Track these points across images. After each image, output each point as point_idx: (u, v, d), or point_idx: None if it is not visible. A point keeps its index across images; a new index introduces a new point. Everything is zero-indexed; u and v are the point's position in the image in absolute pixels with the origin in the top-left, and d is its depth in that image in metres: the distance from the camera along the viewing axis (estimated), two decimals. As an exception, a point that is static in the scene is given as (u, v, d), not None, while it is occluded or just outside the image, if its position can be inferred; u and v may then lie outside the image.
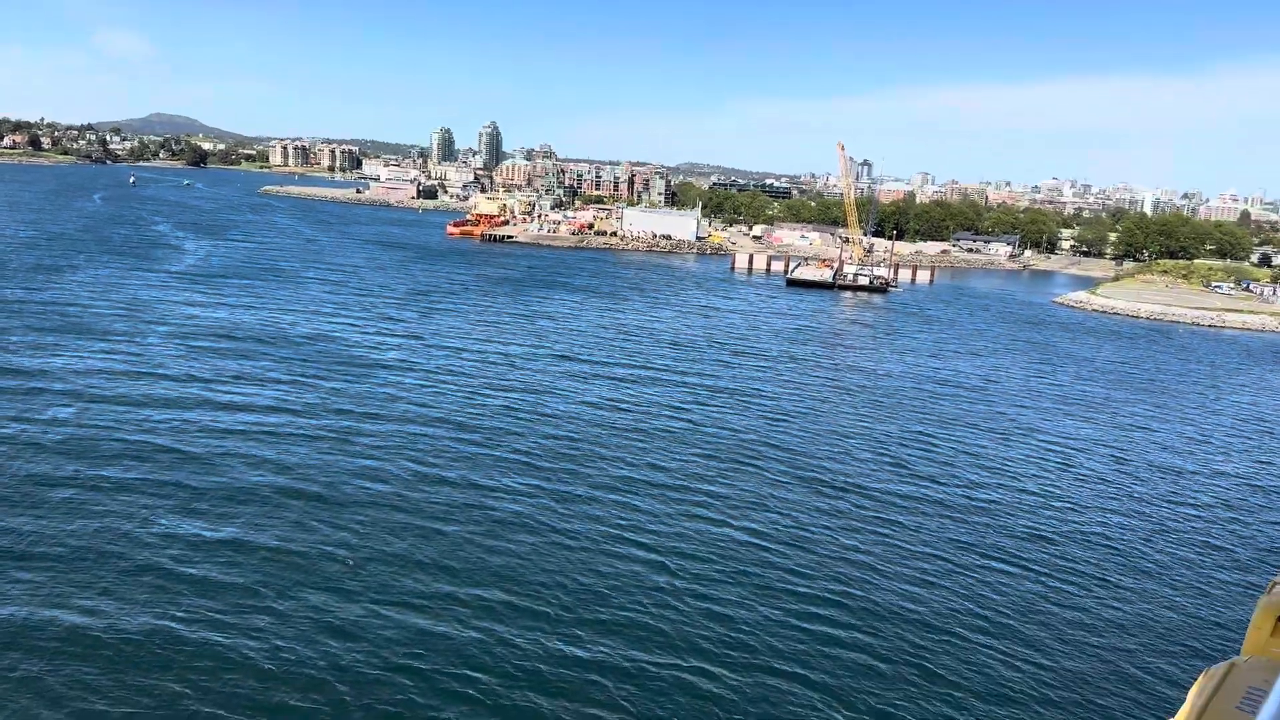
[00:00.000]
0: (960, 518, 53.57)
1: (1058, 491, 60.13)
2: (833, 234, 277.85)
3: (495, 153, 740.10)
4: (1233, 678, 6.79)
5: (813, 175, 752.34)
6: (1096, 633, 40.69)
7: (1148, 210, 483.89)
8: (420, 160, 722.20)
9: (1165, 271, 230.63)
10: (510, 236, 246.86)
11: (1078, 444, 72.66)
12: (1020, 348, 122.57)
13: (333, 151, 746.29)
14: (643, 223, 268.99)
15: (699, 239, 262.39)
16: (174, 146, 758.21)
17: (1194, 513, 58.32)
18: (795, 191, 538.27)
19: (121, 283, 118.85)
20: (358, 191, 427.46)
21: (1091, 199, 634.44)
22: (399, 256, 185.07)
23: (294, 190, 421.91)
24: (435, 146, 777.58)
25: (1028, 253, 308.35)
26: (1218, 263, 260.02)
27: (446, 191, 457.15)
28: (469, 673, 33.44)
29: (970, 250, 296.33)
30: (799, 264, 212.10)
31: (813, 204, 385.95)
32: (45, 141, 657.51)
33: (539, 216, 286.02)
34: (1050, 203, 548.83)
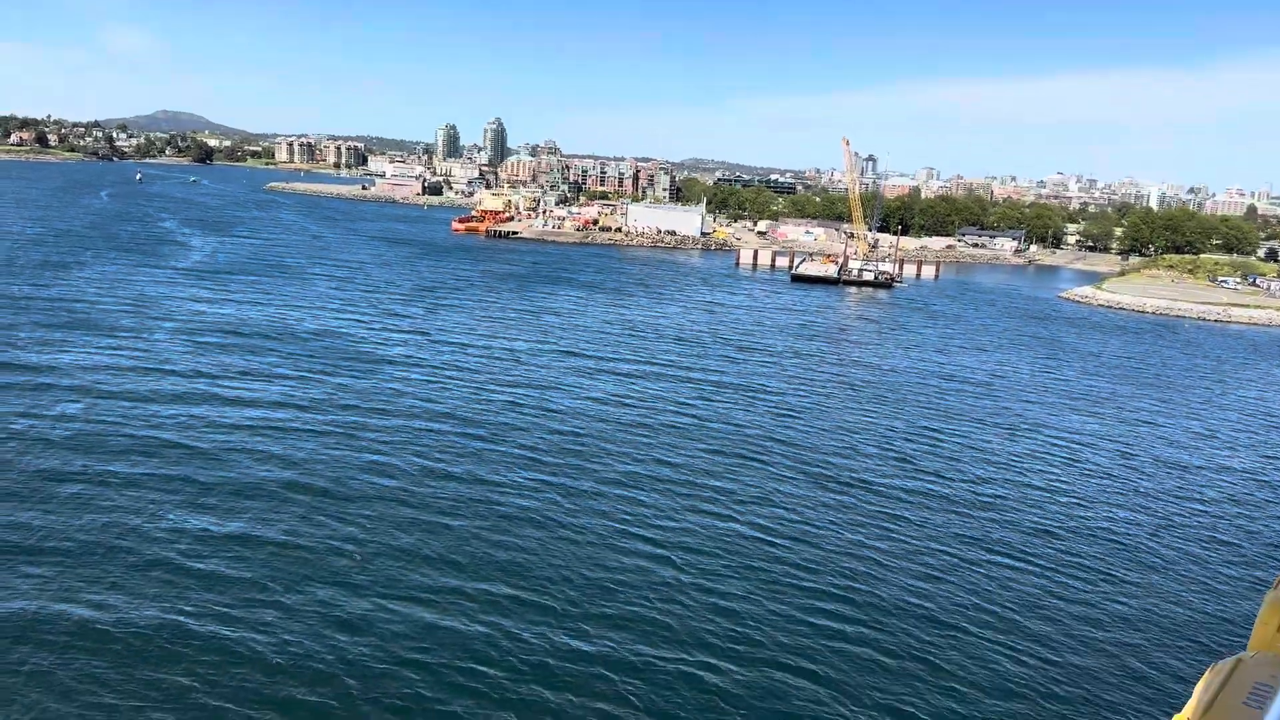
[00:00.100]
0: (966, 513, 53.57)
1: (1063, 486, 60.07)
2: (837, 229, 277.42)
3: (500, 149, 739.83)
4: (1239, 673, 6.81)
5: (817, 171, 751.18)
6: (1103, 627, 40.68)
7: (1153, 205, 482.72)
8: (425, 157, 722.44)
9: (1171, 266, 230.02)
10: (515, 233, 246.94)
11: (1084, 439, 72.57)
12: (1026, 343, 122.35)
13: (338, 148, 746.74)
14: (647, 219, 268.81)
15: (704, 235, 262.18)
16: (180, 143, 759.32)
17: (1200, 508, 58.23)
18: (800, 187, 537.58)
19: (128, 279, 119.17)
20: (363, 188, 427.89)
21: (1097, 194, 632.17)
22: (404, 253, 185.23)
23: (300, 187, 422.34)
24: (440, 143, 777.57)
25: (1033, 248, 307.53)
26: (1224, 257, 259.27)
27: (451, 188, 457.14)
28: (476, 666, 33.57)
29: (975, 245, 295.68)
30: (804, 260, 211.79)
31: (817, 199, 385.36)
32: (52, 139, 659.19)
33: (544, 213, 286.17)
34: (1056, 197, 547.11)
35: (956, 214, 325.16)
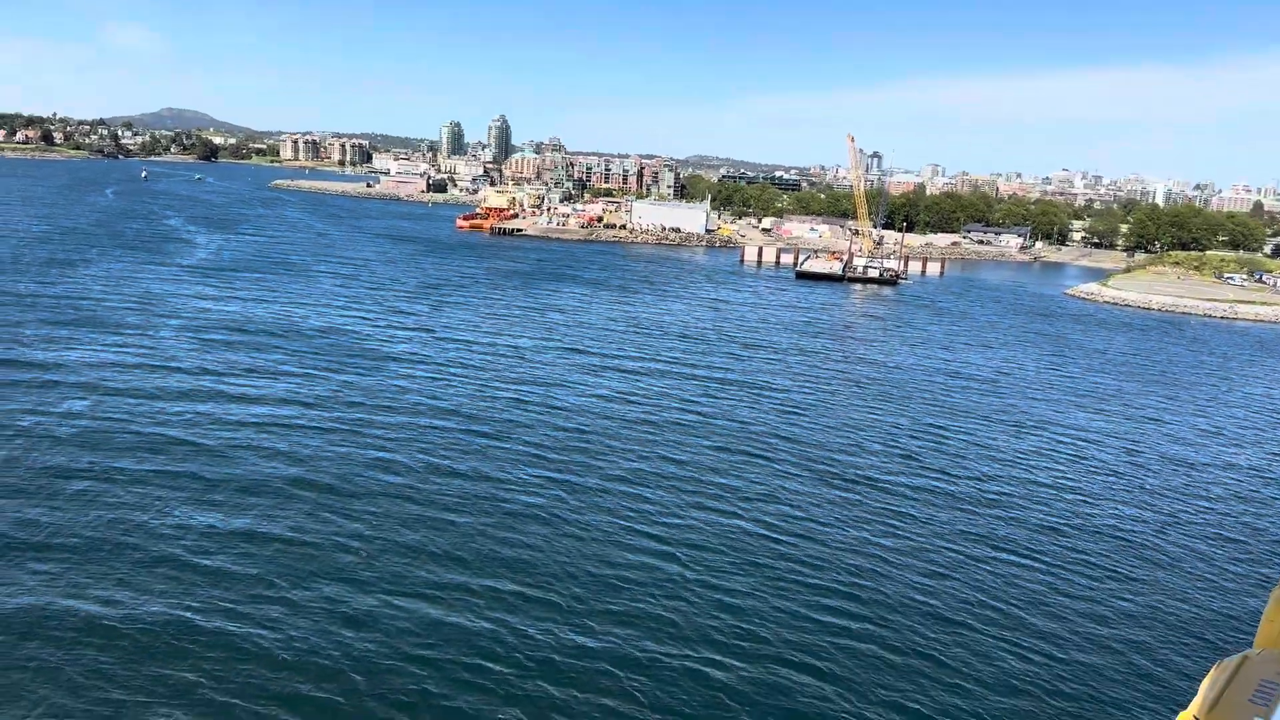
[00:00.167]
0: (971, 509, 53.53)
1: (1069, 483, 59.98)
2: (842, 226, 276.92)
3: (505, 146, 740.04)
4: (1245, 670, 6.80)
5: (822, 168, 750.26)
6: (1108, 625, 40.64)
7: (1159, 201, 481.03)
8: (430, 154, 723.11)
9: (1177, 263, 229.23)
10: (520, 230, 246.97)
11: (1089, 436, 72.44)
12: (1031, 340, 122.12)
13: (343, 145, 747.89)
14: (652, 215, 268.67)
15: (708, 232, 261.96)
16: (185, 141, 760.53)
17: (1206, 505, 58.11)
18: (804, 184, 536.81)
19: (134, 277, 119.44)
20: (368, 185, 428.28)
21: (1103, 190, 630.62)
22: (409, 250, 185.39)
23: (304, 184, 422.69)
24: (445, 140, 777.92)
25: (1039, 244, 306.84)
26: (1230, 254, 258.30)
27: (456, 185, 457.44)
28: (482, 662, 33.65)
29: (981, 242, 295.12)
30: (808, 256, 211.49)
31: (822, 196, 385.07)
32: (58, 136, 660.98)
33: (548, 210, 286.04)
34: (1061, 194, 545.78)
35: (962, 211, 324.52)
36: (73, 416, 58.24)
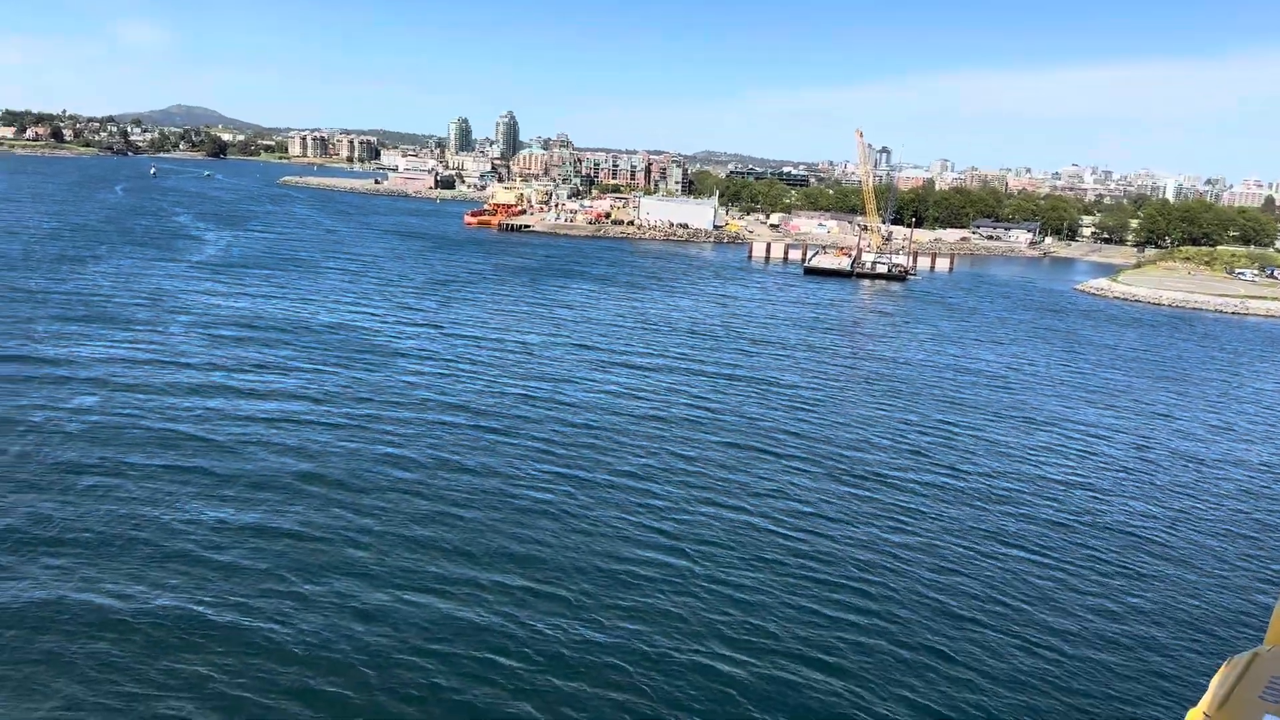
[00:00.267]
0: (981, 506, 53.45)
1: (1079, 480, 59.84)
2: (851, 222, 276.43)
3: (512, 142, 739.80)
4: (1256, 667, 6.81)
5: (830, 163, 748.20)
6: (1118, 620, 40.56)
7: (1170, 196, 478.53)
8: (438, 150, 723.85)
9: (1188, 258, 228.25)
10: (527, 226, 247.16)
11: (1099, 432, 72.24)
12: (1041, 336, 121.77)
13: (351, 142, 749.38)
14: (660, 211, 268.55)
15: (716, 227, 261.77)
16: (194, 138, 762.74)
17: (1216, 501, 57.91)
18: (813, 179, 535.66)
19: (144, 273, 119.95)
20: (376, 182, 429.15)
21: (1113, 185, 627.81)
22: (417, 246, 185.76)
23: (313, 181, 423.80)
24: (453, 136, 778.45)
25: (1048, 240, 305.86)
26: (1241, 249, 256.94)
27: (464, 181, 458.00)
28: (491, 657, 33.77)
29: (990, 237, 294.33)
30: (817, 252, 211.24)
31: (830, 192, 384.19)
32: (67, 133, 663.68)
33: (556, 206, 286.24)
34: (1071, 189, 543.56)
35: (971, 206, 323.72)
36: (84, 412, 58.57)
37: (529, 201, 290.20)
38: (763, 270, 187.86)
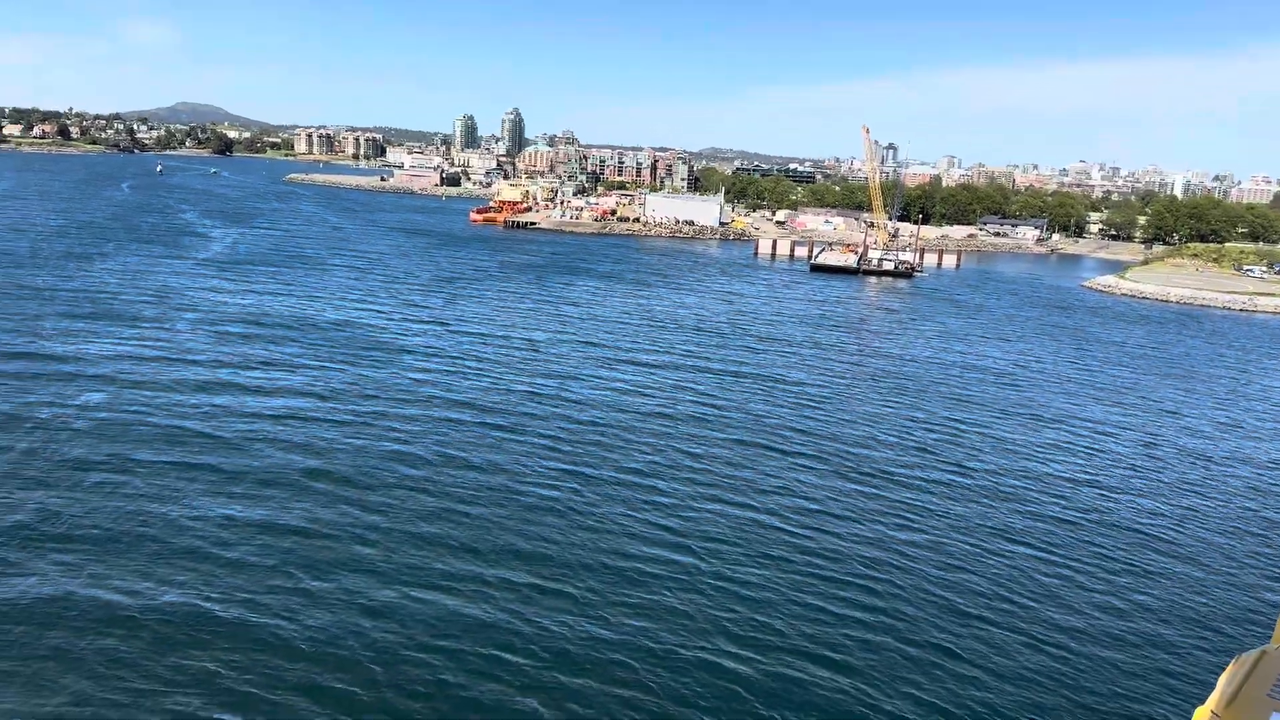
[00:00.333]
0: (988, 503, 53.35)
1: (1086, 477, 59.68)
2: (857, 219, 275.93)
3: (518, 139, 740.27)
4: (1264, 665, 6.80)
5: (837, 159, 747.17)
6: (1126, 618, 40.47)
7: (1178, 193, 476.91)
8: (444, 147, 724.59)
9: (1195, 255, 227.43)
10: (533, 223, 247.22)
11: (1107, 429, 72.03)
12: (1048, 333, 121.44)
13: (357, 139, 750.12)
14: (665, 208, 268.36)
15: (722, 224, 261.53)
16: (200, 135, 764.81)
17: (1225, 499, 57.71)
18: (819, 176, 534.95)
19: (150, 270, 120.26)
20: (382, 179, 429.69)
21: (1120, 182, 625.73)
22: (423, 243, 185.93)
23: (319, 178, 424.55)
24: (458, 133, 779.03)
25: (1055, 236, 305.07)
26: (1249, 246, 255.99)
27: (470, 178, 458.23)
28: (498, 653, 33.81)
29: (997, 234, 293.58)
30: (823, 249, 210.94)
31: (837, 188, 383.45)
32: (74, 131, 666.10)
33: (562, 203, 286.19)
34: (1078, 186, 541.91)
35: (978, 203, 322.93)
36: (91, 409, 58.76)
37: (534, 199, 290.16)
38: (769, 267, 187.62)
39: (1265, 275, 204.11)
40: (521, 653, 33.98)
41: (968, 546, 46.76)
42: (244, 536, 41.98)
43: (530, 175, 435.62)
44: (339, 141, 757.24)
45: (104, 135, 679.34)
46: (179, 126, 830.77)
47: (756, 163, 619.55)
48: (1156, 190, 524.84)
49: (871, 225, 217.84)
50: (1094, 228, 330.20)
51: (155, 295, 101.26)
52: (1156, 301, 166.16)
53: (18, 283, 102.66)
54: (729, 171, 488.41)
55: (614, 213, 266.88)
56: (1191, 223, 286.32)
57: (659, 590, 39.67)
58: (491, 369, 77.32)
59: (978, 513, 51.62)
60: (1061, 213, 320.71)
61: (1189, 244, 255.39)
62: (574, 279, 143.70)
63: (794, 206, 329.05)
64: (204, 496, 46.19)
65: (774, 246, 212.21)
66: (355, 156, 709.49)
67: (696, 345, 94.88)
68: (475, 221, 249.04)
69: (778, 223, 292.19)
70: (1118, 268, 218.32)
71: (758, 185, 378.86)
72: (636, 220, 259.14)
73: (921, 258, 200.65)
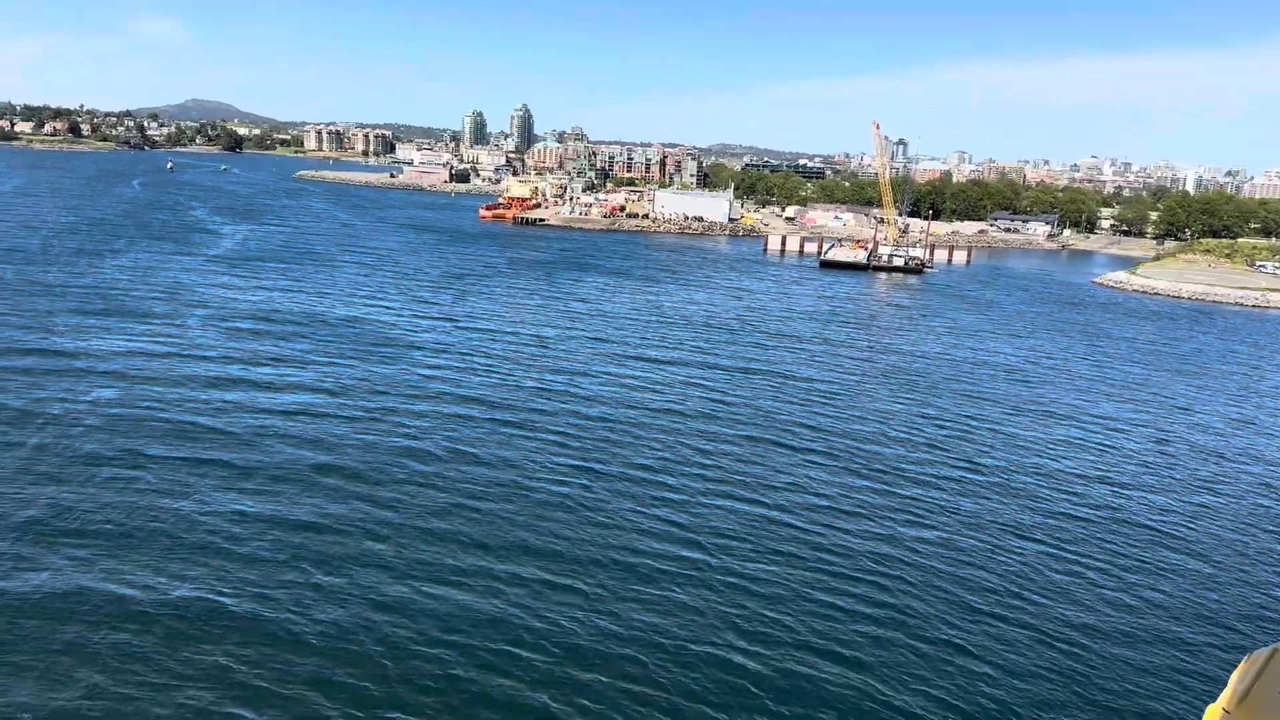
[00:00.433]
0: (998, 499, 53.22)
1: (1098, 473, 59.46)
2: (867, 214, 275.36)
3: (527, 136, 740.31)
4: (1276, 662, 6.76)
5: (846, 155, 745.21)
6: (1137, 615, 40.33)
7: (1190, 188, 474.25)
8: (453, 144, 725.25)
9: (1208, 251, 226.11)
10: (542, 219, 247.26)
11: (1118, 426, 71.74)
12: (1059, 329, 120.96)
13: (366, 136, 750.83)
14: (674, 205, 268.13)
15: (731, 221, 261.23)
16: (210, 132, 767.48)
17: (1237, 495, 57.42)
18: (829, 172, 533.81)
19: (161, 267, 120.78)
20: (391, 176, 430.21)
21: (1132, 177, 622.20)
22: (432, 240, 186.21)
23: (328, 175, 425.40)
24: (467, 130, 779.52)
25: (1066, 232, 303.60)
26: (1262, 241, 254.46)
27: (479, 175, 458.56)
28: (508, 648, 33.91)
29: (1008, 230, 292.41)
30: (832, 245, 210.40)
31: (847, 184, 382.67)
32: (85, 128, 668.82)
33: (570, 199, 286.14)
34: (1090, 181, 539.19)
35: (988, 198, 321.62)
36: (103, 404, 59.09)
37: (544, 195, 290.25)
38: (778, 263, 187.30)
39: (1278, 271, 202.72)
40: (532, 648, 34.07)
41: (978, 543, 46.66)
42: (255, 531, 42.18)
43: (539, 172, 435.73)
44: (348, 138, 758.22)
45: (115, 132, 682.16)
46: (189, 124, 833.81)
47: (766, 158, 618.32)
48: (1169, 186, 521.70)
49: (882, 221, 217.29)
50: (1105, 223, 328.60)
51: (166, 292, 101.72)
52: (1168, 298, 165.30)
53: (30, 279, 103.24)
54: (738, 167, 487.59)
55: (623, 209, 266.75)
56: (1204, 218, 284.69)
57: (669, 586, 39.71)
58: (501, 365, 77.43)
59: (988, 509, 51.50)
60: (1073, 208, 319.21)
61: (1201, 240, 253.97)
62: (583, 275, 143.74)
63: (803, 202, 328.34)
64: (216, 492, 46.42)
65: (783, 242, 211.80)
66: (365, 153, 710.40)
67: (706, 341, 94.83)
68: (484, 218, 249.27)
69: (787, 219, 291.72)
70: (1129, 264, 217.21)
71: (767, 181, 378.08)
72: (645, 216, 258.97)
73: (932, 254, 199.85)
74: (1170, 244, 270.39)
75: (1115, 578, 43.92)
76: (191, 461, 50.18)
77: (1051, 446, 64.68)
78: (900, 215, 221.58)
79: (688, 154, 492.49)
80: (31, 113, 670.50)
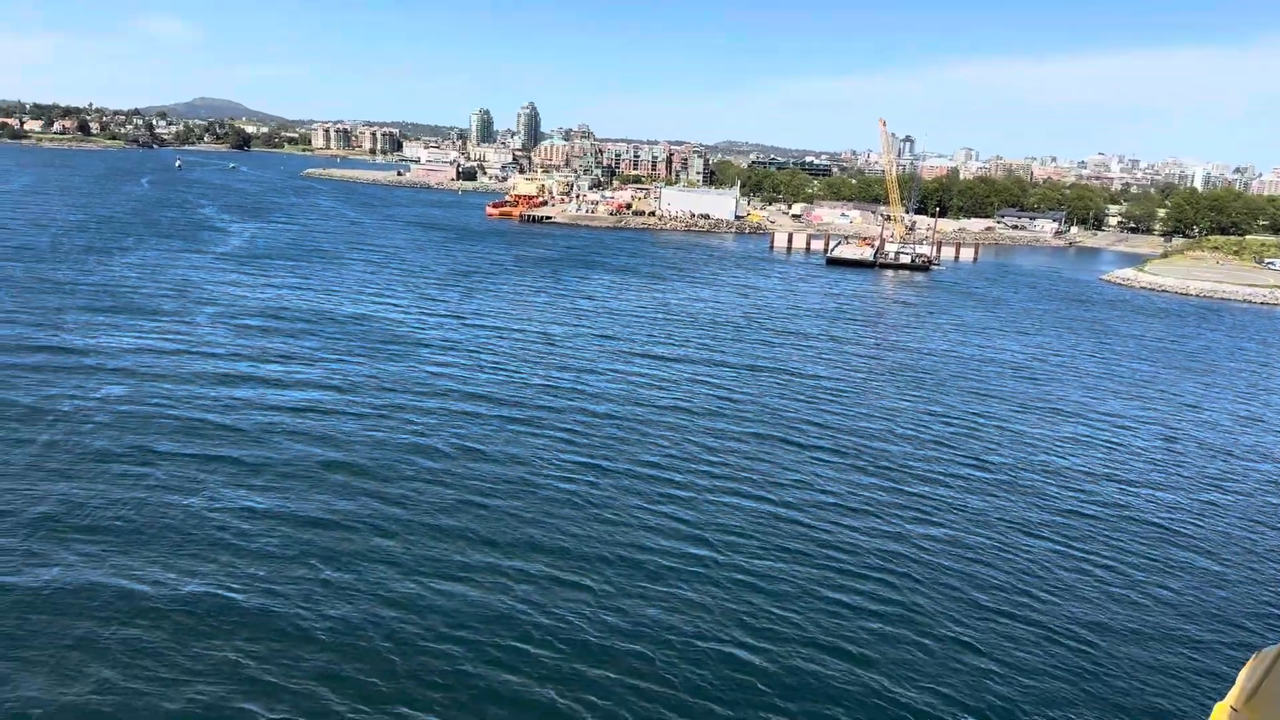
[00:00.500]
0: (1006, 497, 53.17)
1: (1105, 471, 59.35)
2: (874, 212, 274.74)
3: (533, 133, 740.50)
4: None
5: (853, 152, 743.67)
6: (1145, 613, 40.28)
7: (1198, 185, 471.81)
8: (460, 142, 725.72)
9: (1216, 248, 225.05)
10: (548, 217, 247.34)
11: (1126, 423, 71.57)
12: (1067, 326, 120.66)
13: (374, 134, 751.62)
14: (681, 202, 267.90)
15: (738, 218, 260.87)
16: (218, 130, 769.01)
17: (1245, 493, 57.27)
18: (835, 169, 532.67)
19: (170, 264, 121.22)
20: (398, 174, 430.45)
21: (1140, 174, 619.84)
22: (439, 237, 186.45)
23: (336, 173, 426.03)
24: (474, 128, 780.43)
25: (1074, 229, 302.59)
26: (1271, 238, 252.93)
27: (485, 173, 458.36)
28: (516, 644, 34.02)
29: (1015, 227, 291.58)
30: (839, 242, 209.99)
31: (853, 181, 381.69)
32: (94, 127, 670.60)
33: (577, 197, 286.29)
34: (1097, 178, 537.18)
35: (995, 195, 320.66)
36: (113, 401, 59.37)
37: (550, 193, 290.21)
38: (785, 261, 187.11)
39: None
40: (539, 644, 34.18)
41: (986, 540, 46.64)
42: (264, 528, 42.37)
43: (546, 169, 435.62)
44: (356, 136, 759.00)
45: (123, 131, 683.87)
46: (197, 122, 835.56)
47: (772, 156, 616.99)
48: (1176, 182, 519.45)
49: (888, 218, 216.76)
50: (1113, 220, 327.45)
51: (175, 289, 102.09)
52: (1176, 295, 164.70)
53: (40, 277, 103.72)
54: (744, 165, 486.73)
55: (629, 206, 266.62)
56: (1212, 215, 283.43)
57: (676, 583, 39.78)
58: (508, 362, 77.57)
59: (996, 507, 51.46)
60: (1080, 205, 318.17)
61: (1209, 237, 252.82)
62: (589, 273, 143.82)
63: (810, 200, 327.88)
64: (225, 488, 46.63)
65: (790, 240, 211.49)
66: (372, 151, 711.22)
67: (712, 339, 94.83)
68: (491, 215, 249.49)
69: (794, 216, 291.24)
70: (1137, 261, 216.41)
71: (773, 178, 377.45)
72: (652, 214, 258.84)
73: (938, 251, 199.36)
74: (1178, 241, 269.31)
75: (1123, 575, 43.86)
76: (201, 458, 50.41)
77: (1059, 444, 64.58)
78: (907, 212, 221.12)
79: (694, 151, 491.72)
80: (41, 111, 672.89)
